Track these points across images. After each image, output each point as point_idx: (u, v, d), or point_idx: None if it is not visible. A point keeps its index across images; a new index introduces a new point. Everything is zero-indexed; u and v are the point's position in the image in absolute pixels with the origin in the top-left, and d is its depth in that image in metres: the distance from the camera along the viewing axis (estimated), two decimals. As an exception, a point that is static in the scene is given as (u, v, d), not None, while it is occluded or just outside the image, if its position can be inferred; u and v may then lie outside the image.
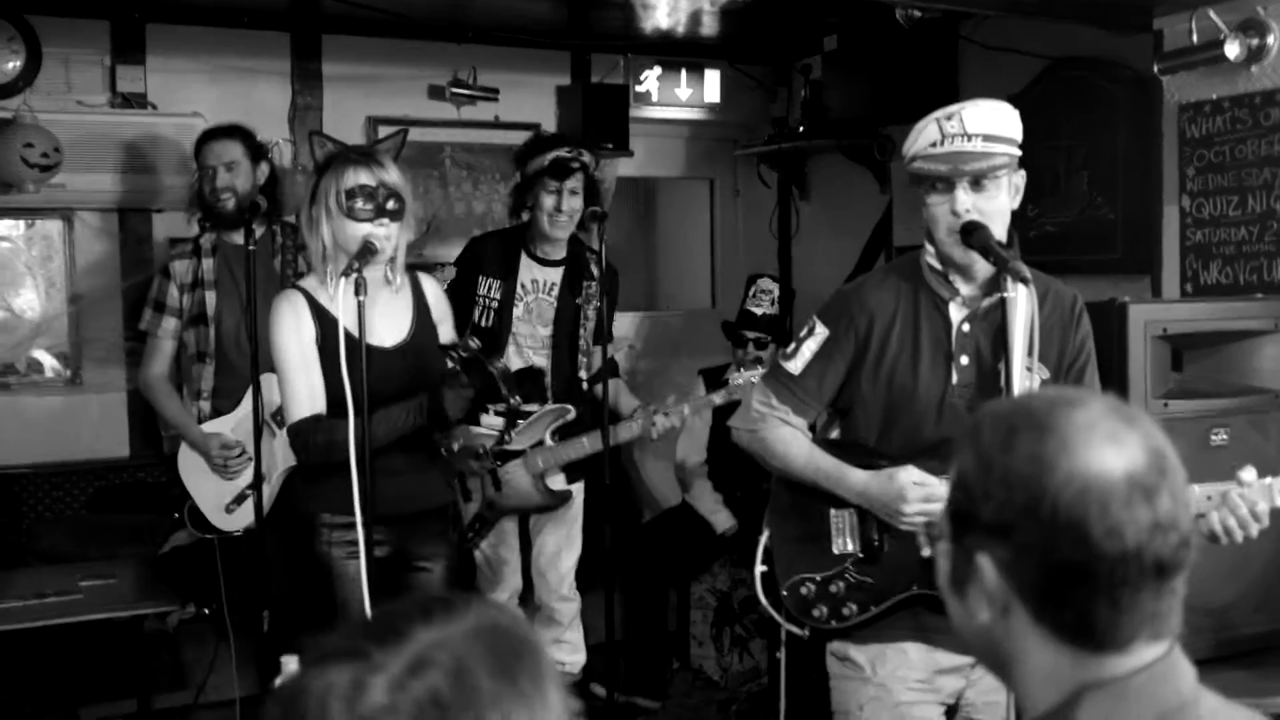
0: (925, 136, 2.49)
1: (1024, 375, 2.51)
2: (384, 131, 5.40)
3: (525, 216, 4.16)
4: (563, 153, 4.03)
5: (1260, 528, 2.37)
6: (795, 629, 2.68)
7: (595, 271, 4.11)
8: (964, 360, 2.58)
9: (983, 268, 2.54)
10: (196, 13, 5.07)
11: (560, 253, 4.16)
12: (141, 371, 4.27)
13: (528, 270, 4.15)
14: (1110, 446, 1.22)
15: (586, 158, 4.09)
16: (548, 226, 4.06)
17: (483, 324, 4.08)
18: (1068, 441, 1.23)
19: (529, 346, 4.13)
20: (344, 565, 3.11)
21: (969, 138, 2.47)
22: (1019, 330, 2.50)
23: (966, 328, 2.58)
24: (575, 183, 4.03)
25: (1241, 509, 2.34)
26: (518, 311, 4.12)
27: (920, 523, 2.47)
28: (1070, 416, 1.25)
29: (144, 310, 4.24)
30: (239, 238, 3.96)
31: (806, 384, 2.64)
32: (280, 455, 3.76)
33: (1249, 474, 2.35)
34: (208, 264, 4.15)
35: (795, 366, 2.64)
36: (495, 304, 4.08)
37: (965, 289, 2.58)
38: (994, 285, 2.55)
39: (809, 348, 2.63)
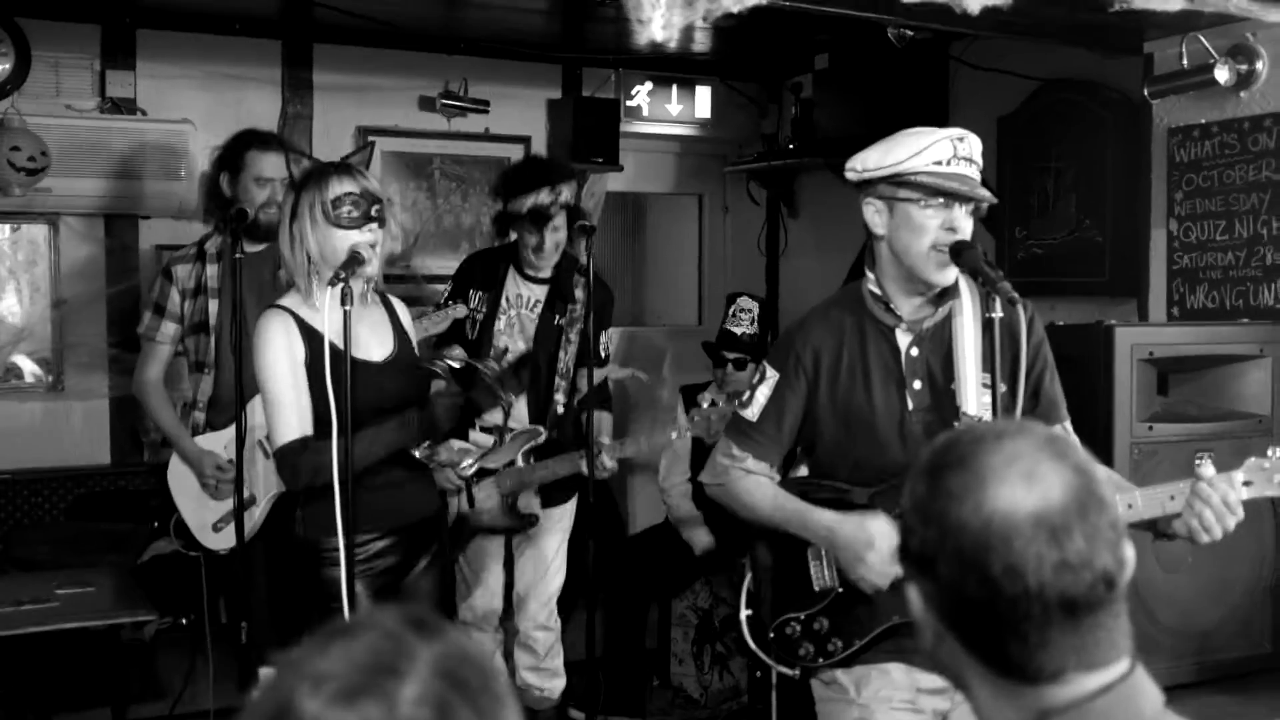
0: (934, 152, 2.48)
1: (979, 391, 2.52)
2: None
3: (513, 235, 4.15)
4: (543, 198, 3.98)
5: (1237, 520, 2.32)
6: (786, 670, 2.72)
7: (579, 295, 4.08)
8: (916, 384, 2.59)
9: (933, 286, 2.55)
10: (187, 19, 5.06)
11: (549, 270, 4.14)
12: (136, 375, 4.11)
13: (514, 284, 4.13)
14: (1022, 484, 1.22)
15: (566, 195, 4.03)
16: (534, 259, 4.07)
17: (469, 336, 4.06)
18: (981, 479, 1.24)
19: (509, 361, 4.11)
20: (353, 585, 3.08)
21: (971, 163, 2.52)
22: (969, 348, 2.53)
23: (915, 351, 2.60)
24: (558, 220, 4.02)
25: (1214, 498, 2.30)
26: (499, 324, 4.10)
27: (876, 574, 2.47)
28: (990, 452, 1.26)
29: (142, 313, 4.09)
30: (250, 246, 3.85)
31: (765, 428, 2.67)
32: (274, 478, 3.69)
33: (1208, 468, 2.33)
34: (212, 270, 3.99)
35: (751, 414, 2.68)
36: (480, 316, 4.07)
37: (908, 313, 2.59)
38: (935, 304, 2.58)
39: (762, 393, 2.67)
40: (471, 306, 4.10)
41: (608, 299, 4.22)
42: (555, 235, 4.03)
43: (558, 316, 4.11)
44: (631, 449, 3.89)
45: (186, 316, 4.01)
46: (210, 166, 4.09)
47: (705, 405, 3.76)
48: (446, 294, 4.17)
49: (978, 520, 1.22)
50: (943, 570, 1.24)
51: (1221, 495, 2.30)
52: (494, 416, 3.94)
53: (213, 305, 4.00)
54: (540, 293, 4.14)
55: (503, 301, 4.11)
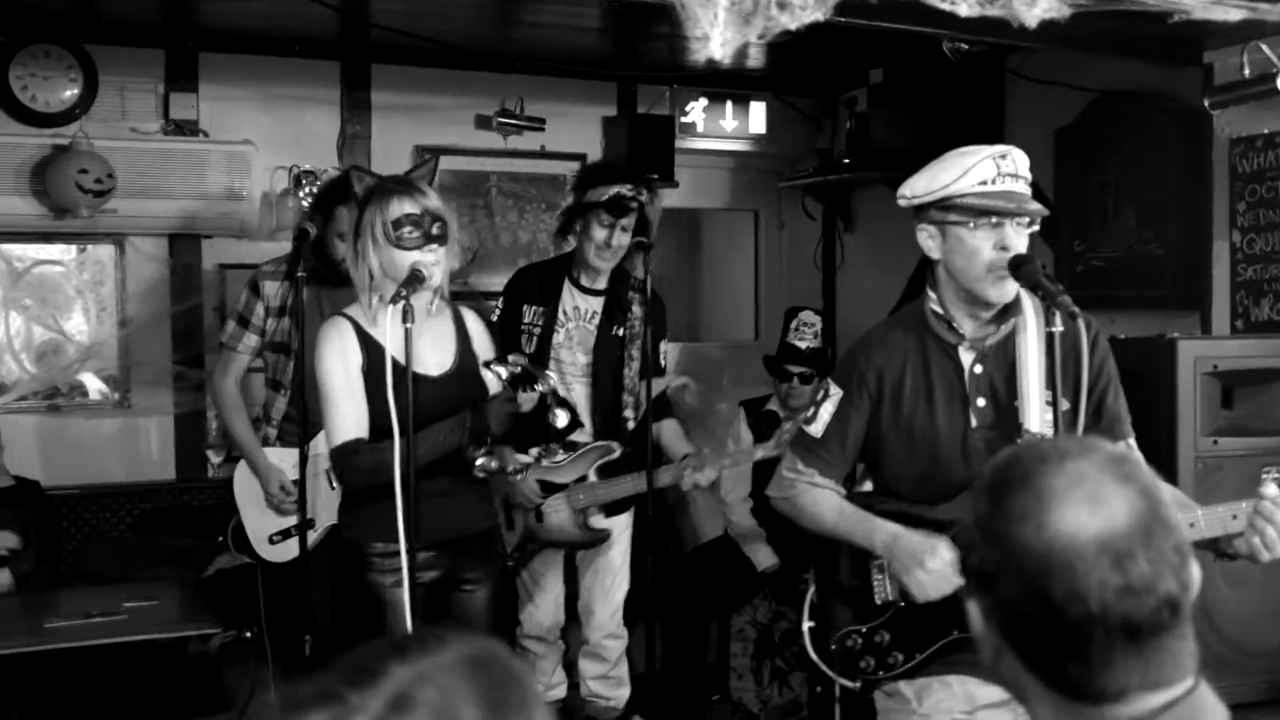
0: (978, 173, 2.49)
1: (1043, 409, 2.52)
2: (432, 161, 5.48)
3: (571, 242, 4.16)
4: (624, 190, 4.03)
5: None
6: (847, 682, 2.73)
7: (637, 309, 4.12)
8: (980, 402, 2.60)
9: (994, 305, 2.55)
10: (248, 42, 5.14)
11: (604, 282, 4.16)
12: (214, 380, 4.25)
13: (570, 297, 4.15)
14: (1085, 507, 1.21)
15: (645, 197, 4.09)
16: (593, 257, 4.07)
17: (526, 350, 4.08)
18: (1044, 501, 1.23)
19: (570, 374, 4.13)
20: (395, 594, 3.07)
21: (1017, 178, 2.52)
22: (1032, 365, 2.54)
23: (979, 369, 2.60)
24: (629, 220, 4.04)
25: (1278, 516, 2.29)
26: (558, 337, 4.12)
27: (930, 584, 2.47)
28: (1054, 473, 1.24)
29: (226, 322, 4.22)
30: (327, 290, 3.94)
31: (830, 445, 2.70)
32: (335, 508, 3.71)
33: (1271, 488, 2.32)
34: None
35: (816, 430, 2.71)
36: (538, 330, 4.10)
37: (971, 331, 2.60)
38: (999, 321, 2.59)
39: (826, 410, 2.70)
40: (528, 322, 4.13)
41: (661, 308, 4.25)
42: (623, 236, 4.05)
43: (616, 328, 4.14)
44: (728, 460, 3.90)
45: (268, 332, 4.10)
46: (309, 203, 4.16)
47: (785, 428, 3.77)
48: (499, 309, 4.18)
49: (1040, 543, 1.21)
50: (1003, 589, 1.24)
51: None
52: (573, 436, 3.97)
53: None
54: (597, 304, 4.16)
55: (560, 314, 4.13)
